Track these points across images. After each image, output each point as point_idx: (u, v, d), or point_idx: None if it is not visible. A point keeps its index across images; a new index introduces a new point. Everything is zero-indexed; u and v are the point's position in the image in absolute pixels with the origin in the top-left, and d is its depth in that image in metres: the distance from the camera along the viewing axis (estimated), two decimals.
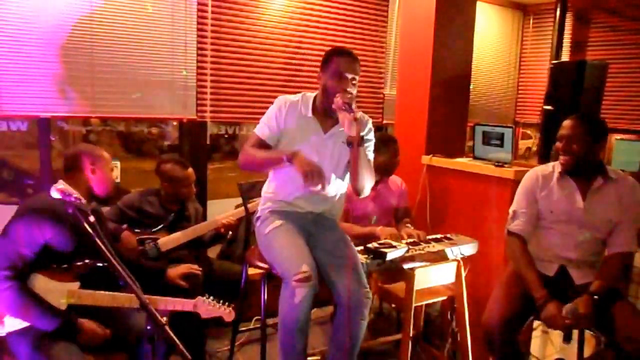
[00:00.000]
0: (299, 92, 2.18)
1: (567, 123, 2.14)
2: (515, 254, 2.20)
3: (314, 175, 1.86)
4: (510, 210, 2.27)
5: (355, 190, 2.09)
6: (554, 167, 2.24)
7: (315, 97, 2.13)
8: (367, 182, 2.06)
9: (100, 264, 1.86)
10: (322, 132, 2.11)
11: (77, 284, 1.85)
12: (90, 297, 1.85)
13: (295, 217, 2.16)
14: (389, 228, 2.58)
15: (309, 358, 2.49)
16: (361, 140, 1.96)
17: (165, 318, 1.46)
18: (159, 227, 2.62)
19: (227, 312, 1.98)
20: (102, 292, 1.86)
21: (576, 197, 2.15)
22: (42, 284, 1.80)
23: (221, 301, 2.00)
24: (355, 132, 1.92)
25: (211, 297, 1.99)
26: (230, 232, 2.76)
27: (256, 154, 2.06)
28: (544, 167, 2.29)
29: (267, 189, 2.26)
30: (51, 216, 1.79)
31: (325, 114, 2.10)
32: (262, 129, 2.11)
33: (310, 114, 2.09)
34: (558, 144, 2.15)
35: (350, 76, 2.01)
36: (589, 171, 2.14)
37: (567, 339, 2.28)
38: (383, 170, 2.73)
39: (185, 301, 1.94)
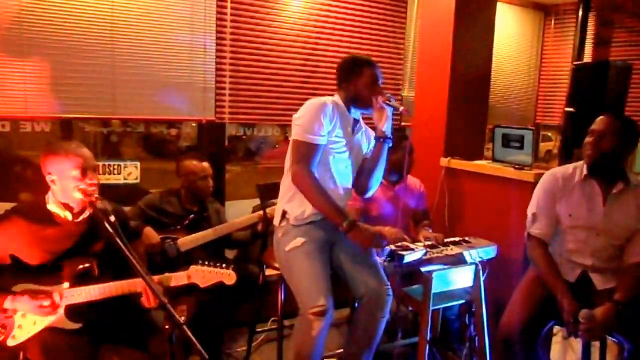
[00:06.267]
0: (315, 93, 2.21)
1: (600, 119, 2.07)
2: (538, 260, 2.14)
3: (373, 243, 2.02)
4: (529, 213, 2.22)
5: (364, 188, 2.25)
6: (576, 168, 2.18)
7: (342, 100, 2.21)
8: (377, 183, 2.26)
9: (88, 264, 1.80)
10: (351, 130, 2.21)
11: (66, 284, 1.77)
12: (81, 294, 1.76)
13: (318, 228, 2.13)
14: (395, 229, 2.55)
15: None
16: (388, 138, 2.16)
17: (183, 317, 1.47)
18: (178, 226, 2.66)
19: (227, 275, 1.83)
20: (92, 286, 1.77)
21: (597, 202, 2.09)
22: None
23: (218, 264, 1.85)
24: (389, 128, 2.14)
25: (206, 262, 1.85)
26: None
27: (317, 194, 2.01)
28: (564, 168, 2.22)
29: (288, 199, 2.17)
30: (22, 223, 1.76)
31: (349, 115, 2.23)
32: (316, 137, 2.03)
33: (347, 113, 2.19)
34: (587, 139, 2.07)
35: (380, 82, 2.18)
36: (612, 174, 2.08)
37: (585, 353, 2.19)
38: (398, 169, 2.71)
39: (177, 275, 1.83)
